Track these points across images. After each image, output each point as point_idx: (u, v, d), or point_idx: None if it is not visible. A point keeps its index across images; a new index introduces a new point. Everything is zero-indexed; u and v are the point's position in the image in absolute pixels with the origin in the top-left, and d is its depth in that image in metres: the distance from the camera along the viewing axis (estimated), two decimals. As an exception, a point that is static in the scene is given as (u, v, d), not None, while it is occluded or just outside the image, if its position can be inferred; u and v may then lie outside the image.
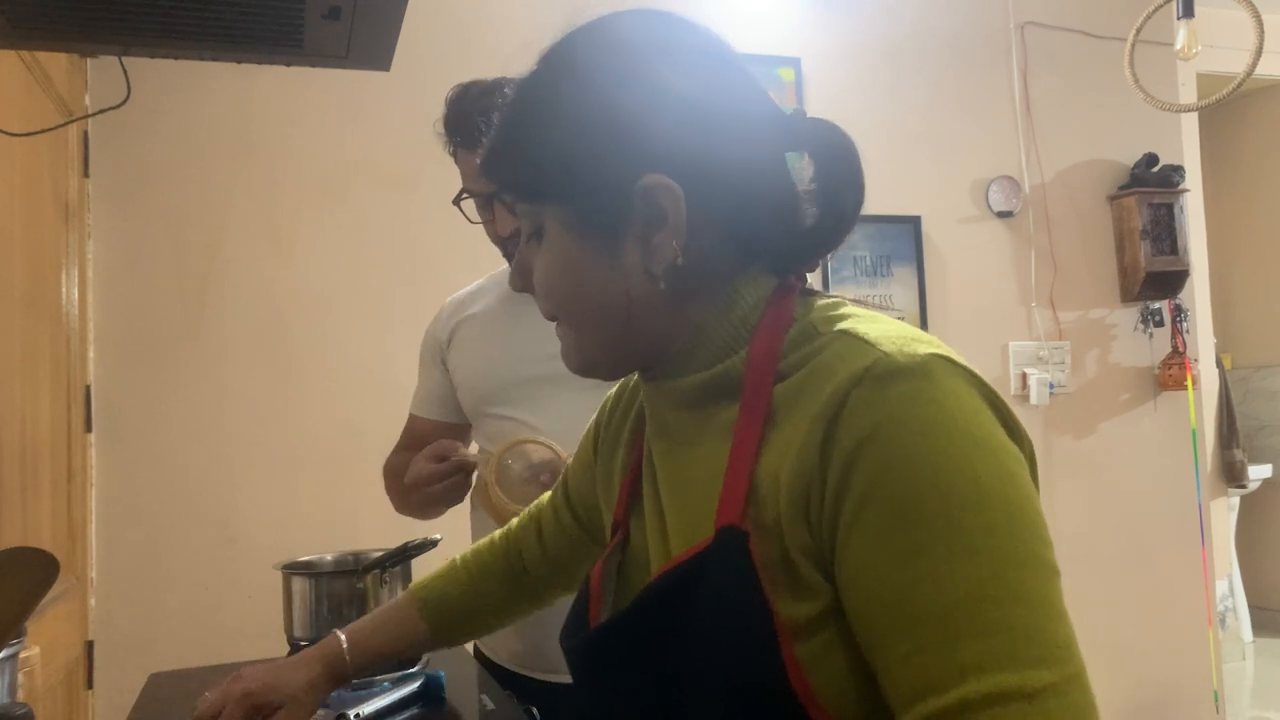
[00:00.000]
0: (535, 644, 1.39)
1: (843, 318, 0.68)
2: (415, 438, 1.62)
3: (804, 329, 0.68)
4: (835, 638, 0.62)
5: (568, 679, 1.39)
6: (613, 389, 0.95)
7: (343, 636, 1.04)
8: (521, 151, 0.73)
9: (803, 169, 0.74)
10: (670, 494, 0.76)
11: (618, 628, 0.72)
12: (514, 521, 1.09)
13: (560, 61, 0.72)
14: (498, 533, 1.09)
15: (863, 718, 0.62)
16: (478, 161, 1.37)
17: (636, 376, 0.86)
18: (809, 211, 0.73)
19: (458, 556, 1.10)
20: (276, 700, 0.98)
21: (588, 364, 0.77)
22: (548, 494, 1.07)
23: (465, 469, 1.41)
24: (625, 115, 0.68)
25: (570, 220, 0.71)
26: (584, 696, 0.78)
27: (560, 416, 1.38)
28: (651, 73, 0.69)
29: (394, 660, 1.12)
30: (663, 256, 0.68)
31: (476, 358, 1.50)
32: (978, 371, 0.64)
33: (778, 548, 0.63)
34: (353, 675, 1.04)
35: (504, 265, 1.52)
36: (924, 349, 0.63)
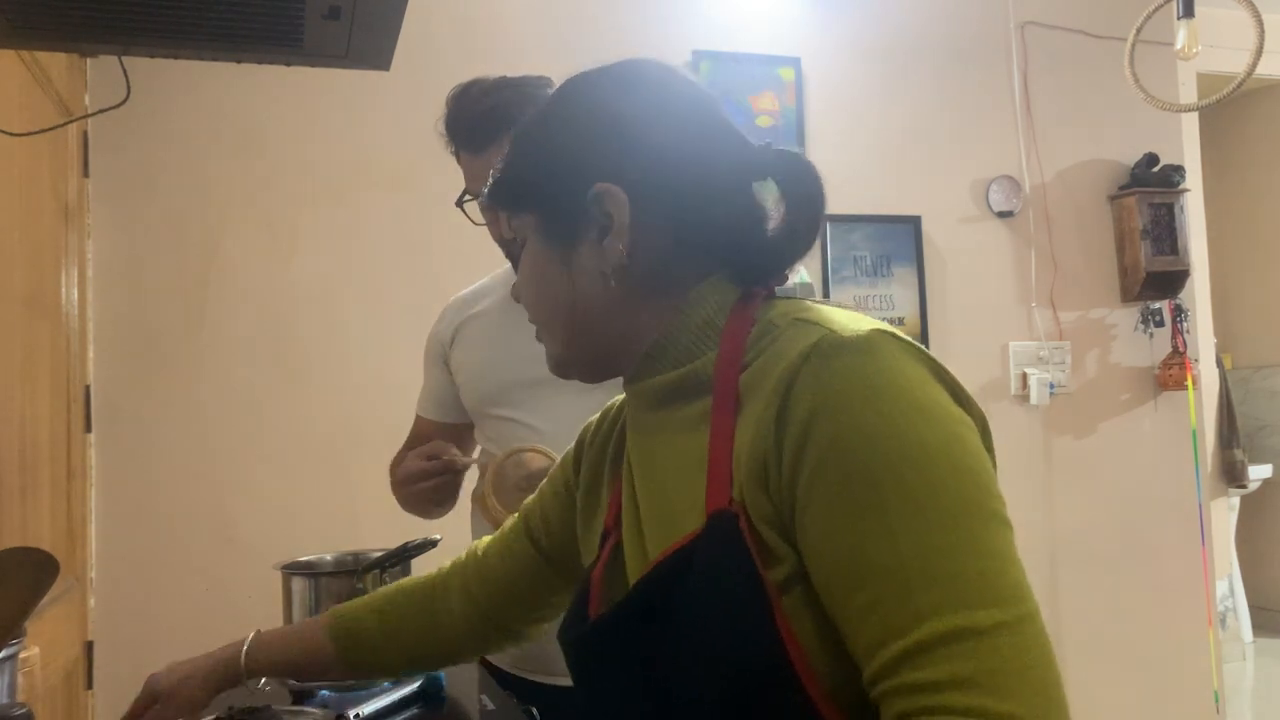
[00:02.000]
0: (534, 646, 1.39)
1: (802, 310, 0.74)
2: (420, 438, 1.62)
3: (765, 327, 0.74)
4: (801, 601, 0.65)
5: (566, 681, 1.39)
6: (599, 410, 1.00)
7: (250, 636, 1.07)
8: (510, 168, 0.83)
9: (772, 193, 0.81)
10: (644, 489, 0.80)
11: (616, 617, 0.75)
12: (447, 563, 1.08)
13: (552, 98, 0.83)
14: (431, 573, 1.09)
15: (832, 679, 0.65)
16: (481, 162, 1.38)
17: (621, 396, 0.92)
18: (775, 230, 0.80)
19: (384, 587, 1.10)
20: (160, 692, 1.04)
21: (559, 364, 0.85)
22: (486, 539, 1.06)
23: (452, 469, 1.42)
24: (584, 134, 0.78)
25: (540, 227, 0.80)
26: (581, 689, 0.81)
27: (561, 418, 1.38)
28: (614, 102, 0.79)
29: (301, 673, 1.11)
30: (611, 258, 0.76)
31: (479, 358, 1.50)
32: (925, 349, 0.69)
33: (745, 520, 0.67)
34: (246, 677, 1.06)
35: (506, 265, 1.52)
36: (868, 326, 0.68)
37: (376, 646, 1.05)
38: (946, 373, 0.68)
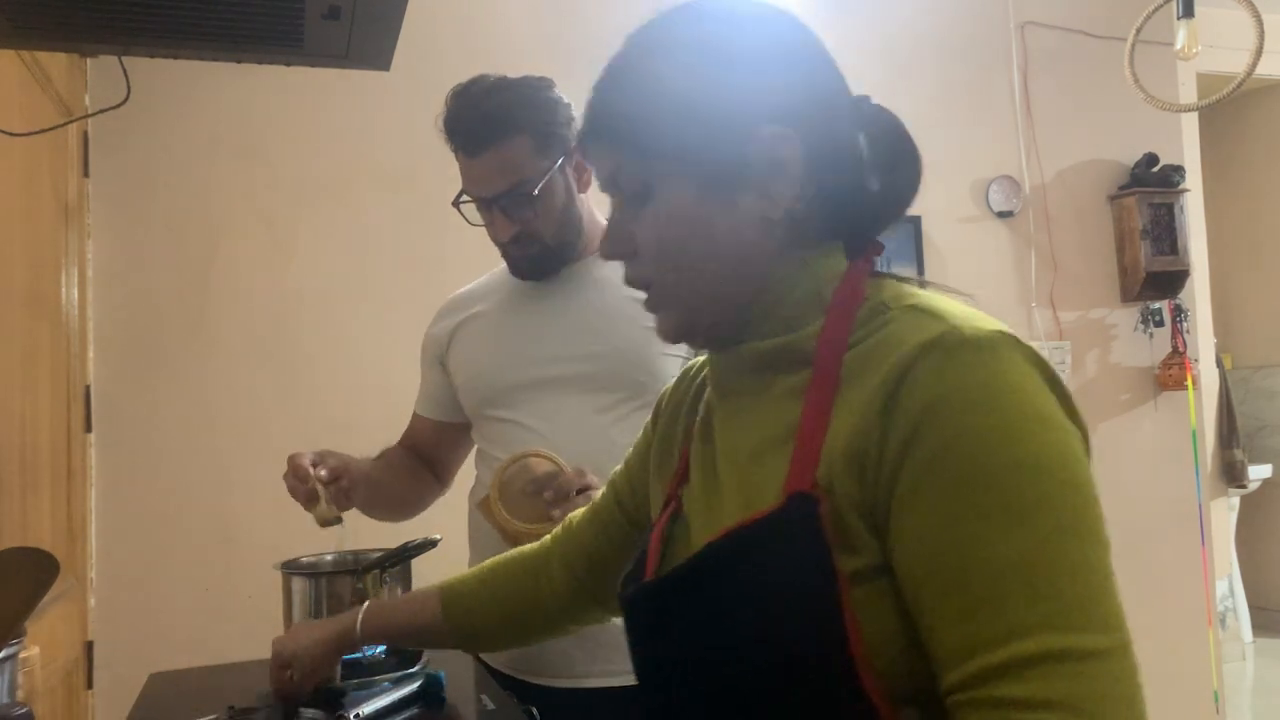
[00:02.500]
0: (530, 648, 1.39)
1: (914, 295, 0.71)
2: (415, 436, 1.63)
3: (875, 307, 0.71)
4: (876, 593, 0.64)
5: (562, 683, 1.40)
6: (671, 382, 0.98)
7: (364, 605, 1.13)
8: (635, 113, 0.75)
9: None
10: (727, 456, 0.78)
11: (672, 580, 0.74)
12: (548, 536, 1.09)
13: (661, 33, 0.76)
14: (535, 543, 1.10)
15: (900, 674, 0.64)
16: (477, 165, 1.37)
17: (699, 361, 0.90)
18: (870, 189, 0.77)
19: (494, 558, 1.13)
20: (290, 657, 1.12)
21: (683, 328, 0.79)
22: (580, 511, 1.07)
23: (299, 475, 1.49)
24: (739, 71, 0.72)
25: (687, 174, 0.73)
26: (632, 652, 0.80)
27: (560, 419, 1.38)
28: (757, 36, 0.74)
29: (411, 638, 1.18)
30: (780, 204, 0.72)
31: (477, 359, 1.49)
32: (1042, 356, 0.67)
33: (829, 505, 0.65)
34: (362, 643, 1.13)
35: (503, 265, 1.51)
36: (991, 325, 0.66)
37: (483, 616, 1.08)
38: (1060, 382, 0.66)
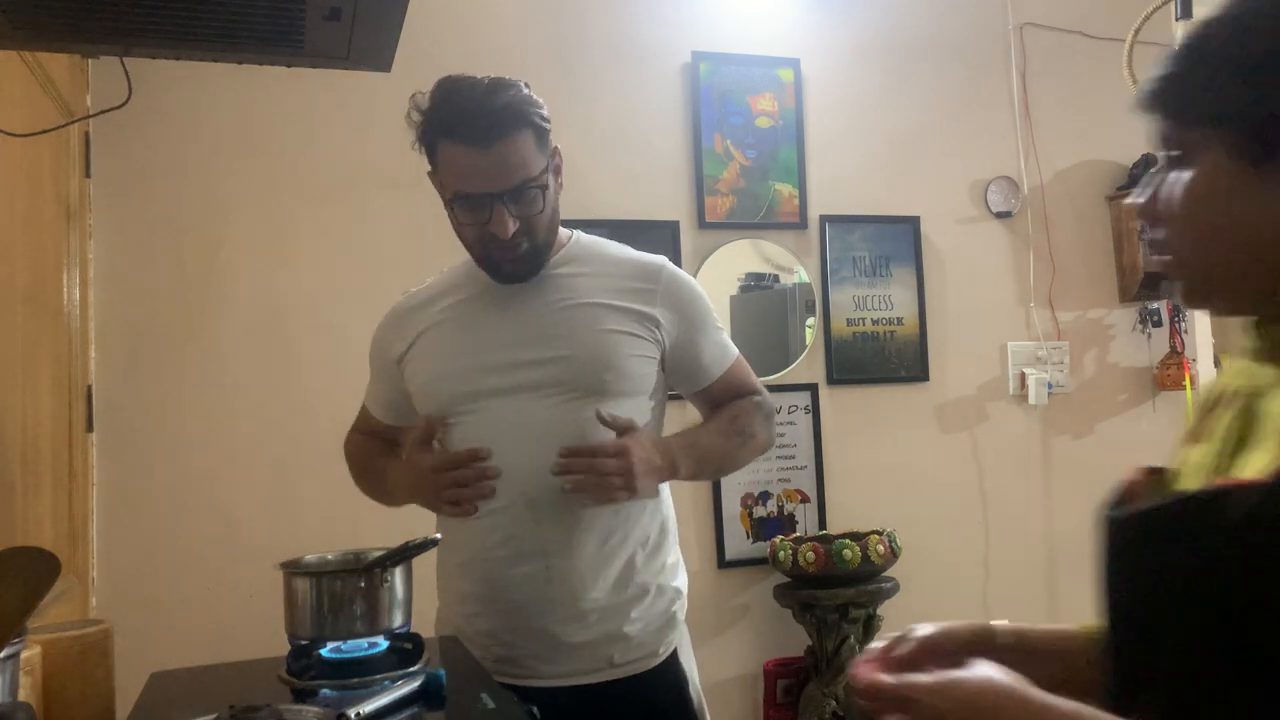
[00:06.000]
0: (519, 649, 1.42)
1: None
2: (373, 429, 1.64)
3: None
4: None
5: (545, 683, 1.41)
6: None
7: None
8: (1202, 77, 0.78)
9: None
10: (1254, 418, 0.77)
11: (1169, 510, 0.72)
12: None
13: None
14: None
15: None
16: (489, 157, 1.35)
17: None
18: None
19: None
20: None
21: (1197, 296, 0.81)
22: None
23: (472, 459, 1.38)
24: None
25: (1232, 148, 0.74)
26: (1109, 574, 0.76)
27: (526, 422, 1.38)
28: None
29: None
30: None
31: (435, 367, 1.48)
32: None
33: None
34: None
35: (456, 261, 1.52)
36: None
37: None
38: None
